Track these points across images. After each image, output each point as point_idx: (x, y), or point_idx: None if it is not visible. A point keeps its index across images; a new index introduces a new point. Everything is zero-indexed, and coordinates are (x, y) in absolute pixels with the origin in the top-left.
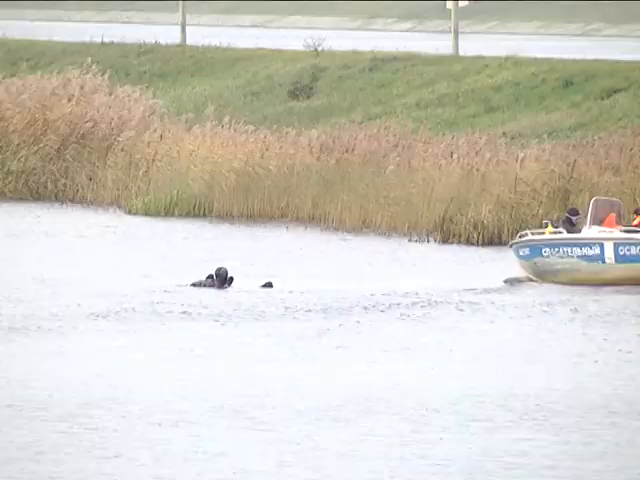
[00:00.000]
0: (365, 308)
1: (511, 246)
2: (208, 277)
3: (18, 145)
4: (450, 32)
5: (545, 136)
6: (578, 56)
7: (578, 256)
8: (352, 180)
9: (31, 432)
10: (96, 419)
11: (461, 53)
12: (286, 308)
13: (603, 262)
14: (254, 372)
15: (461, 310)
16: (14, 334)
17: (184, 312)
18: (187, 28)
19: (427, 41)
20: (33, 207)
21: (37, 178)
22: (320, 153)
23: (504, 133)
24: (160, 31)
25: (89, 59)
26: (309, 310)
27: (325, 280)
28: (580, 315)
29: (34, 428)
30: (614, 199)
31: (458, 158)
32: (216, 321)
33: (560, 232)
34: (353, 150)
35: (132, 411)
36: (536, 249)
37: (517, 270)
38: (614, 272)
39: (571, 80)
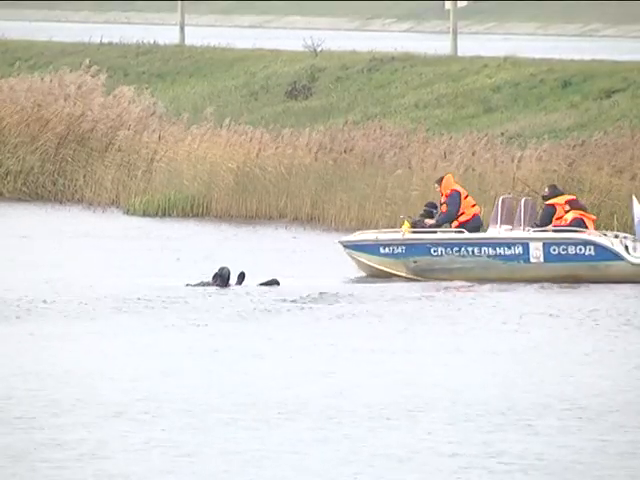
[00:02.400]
0: (372, 307)
1: (348, 244)
2: (214, 277)
3: (15, 146)
4: (449, 32)
5: (546, 137)
6: (577, 56)
7: (489, 255)
8: (351, 180)
9: (90, 431)
10: (140, 420)
11: (460, 53)
12: (290, 308)
13: (526, 262)
14: (286, 371)
15: (475, 308)
16: (13, 334)
17: (187, 311)
18: (186, 28)
19: (426, 41)
20: (32, 207)
21: (35, 178)
22: (318, 153)
23: (502, 133)
24: (159, 31)
25: (87, 60)
26: (312, 310)
27: (326, 280)
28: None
29: (88, 427)
30: (511, 196)
31: (459, 158)
32: (221, 320)
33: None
34: (352, 150)
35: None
36: (419, 248)
37: (362, 268)
38: (539, 271)
39: (570, 80)
